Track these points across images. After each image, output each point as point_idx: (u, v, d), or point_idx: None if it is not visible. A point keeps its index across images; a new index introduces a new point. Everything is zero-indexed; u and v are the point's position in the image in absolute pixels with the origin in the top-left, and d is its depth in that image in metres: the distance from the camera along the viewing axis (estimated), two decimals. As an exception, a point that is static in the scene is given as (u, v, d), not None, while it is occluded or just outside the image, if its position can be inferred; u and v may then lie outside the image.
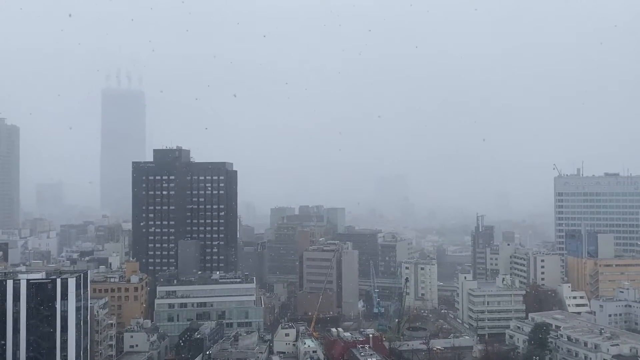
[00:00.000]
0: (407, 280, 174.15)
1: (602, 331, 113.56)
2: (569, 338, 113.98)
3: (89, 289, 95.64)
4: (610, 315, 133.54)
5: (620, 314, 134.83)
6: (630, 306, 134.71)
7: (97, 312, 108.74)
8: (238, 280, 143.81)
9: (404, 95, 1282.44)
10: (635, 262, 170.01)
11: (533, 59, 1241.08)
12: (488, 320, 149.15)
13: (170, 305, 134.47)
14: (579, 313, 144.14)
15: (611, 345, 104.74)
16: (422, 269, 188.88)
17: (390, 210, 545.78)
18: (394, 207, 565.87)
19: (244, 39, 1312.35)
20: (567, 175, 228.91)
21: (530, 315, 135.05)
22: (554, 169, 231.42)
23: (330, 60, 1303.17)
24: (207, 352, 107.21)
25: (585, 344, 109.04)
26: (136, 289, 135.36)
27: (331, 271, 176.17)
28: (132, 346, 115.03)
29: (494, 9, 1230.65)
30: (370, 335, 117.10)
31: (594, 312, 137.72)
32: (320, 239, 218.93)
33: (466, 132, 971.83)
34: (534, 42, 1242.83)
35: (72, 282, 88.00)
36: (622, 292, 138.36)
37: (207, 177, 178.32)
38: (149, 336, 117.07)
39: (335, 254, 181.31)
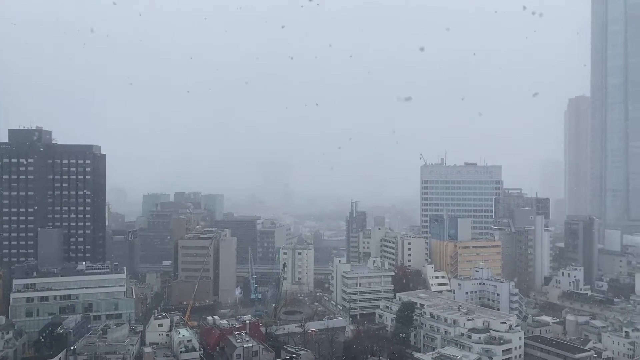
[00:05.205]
0: (284, 265, 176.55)
1: (460, 307, 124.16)
2: (431, 315, 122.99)
3: None
4: (467, 293, 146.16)
5: (475, 292, 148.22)
6: (483, 284, 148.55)
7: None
8: (106, 270, 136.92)
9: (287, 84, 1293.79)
10: (489, 243, 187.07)
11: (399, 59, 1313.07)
12: (360, 301, 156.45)
13: (29, 299, 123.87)
14: (440, 292, 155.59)
15: (467, 320, 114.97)
16: (299, 254, 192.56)
17: (270, 196, 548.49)
18: (274, 193, 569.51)
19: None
20: (432, 164, 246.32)
21: (398, 295, 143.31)
22: (420, 158, 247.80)
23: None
24: (72, 347, 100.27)
25: (446, 320, 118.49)
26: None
27: (208, 259, 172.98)
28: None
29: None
30: (247, 322, 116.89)
31: (454, 290, 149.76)
32: (197, 227, 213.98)
33: (347, 124, 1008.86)
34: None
35: None
36: (478, 271, 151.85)
37: (72, 161, 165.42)
38: (2, 334, 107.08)
39: (213, 241, 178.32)
